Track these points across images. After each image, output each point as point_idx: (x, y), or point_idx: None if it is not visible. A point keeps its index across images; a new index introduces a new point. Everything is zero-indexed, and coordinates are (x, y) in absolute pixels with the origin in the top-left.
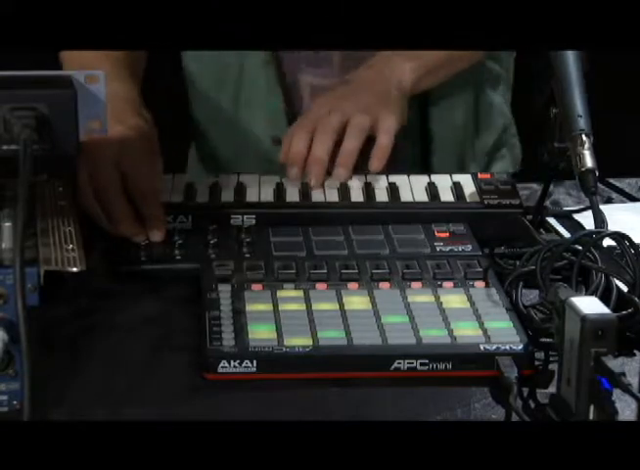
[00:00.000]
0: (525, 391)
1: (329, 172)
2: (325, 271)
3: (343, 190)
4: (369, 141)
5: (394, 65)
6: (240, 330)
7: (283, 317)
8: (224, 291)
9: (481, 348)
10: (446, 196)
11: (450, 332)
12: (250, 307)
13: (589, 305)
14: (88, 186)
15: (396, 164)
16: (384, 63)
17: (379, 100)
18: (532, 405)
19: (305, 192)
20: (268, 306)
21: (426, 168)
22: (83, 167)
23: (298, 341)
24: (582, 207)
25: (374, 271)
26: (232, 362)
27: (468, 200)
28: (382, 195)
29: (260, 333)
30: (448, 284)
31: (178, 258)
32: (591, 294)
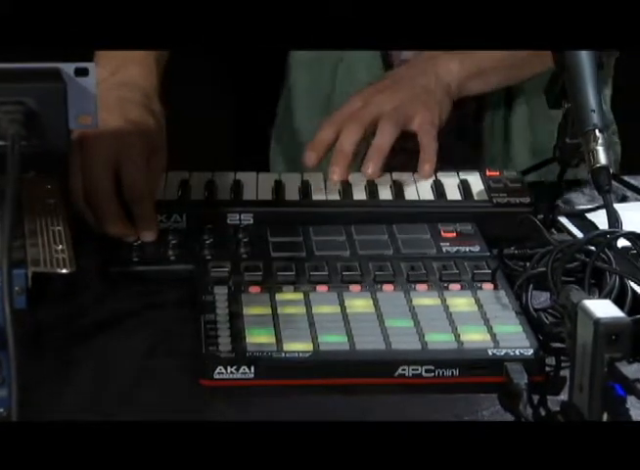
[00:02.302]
0: (536, 398)
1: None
2: (326, 273)
3: (345, 188)
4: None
5: (439, 64)
6: (237, 334)
7: (282, 321)
8: (220, 293)
9: (490, 353)
10: (453, 194)
11: (457, 337)
12: (247, 311)
13: (602, 308)
14: (79, 184)
15: (447, 163)
16: (428, 61)
17: (415, 96)
18: (543, 413)
19: (305, 190)
20: (266, 310)
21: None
22: (75, 164)
23: (298, 346)
24: (595, 205)
25: (377, 273)
26: (229, 368)
27: (476, 198)
28: (386, 193)
29: (258, 337)
30: (455, 286)
31: (172, 258)
32: (605, 297)
